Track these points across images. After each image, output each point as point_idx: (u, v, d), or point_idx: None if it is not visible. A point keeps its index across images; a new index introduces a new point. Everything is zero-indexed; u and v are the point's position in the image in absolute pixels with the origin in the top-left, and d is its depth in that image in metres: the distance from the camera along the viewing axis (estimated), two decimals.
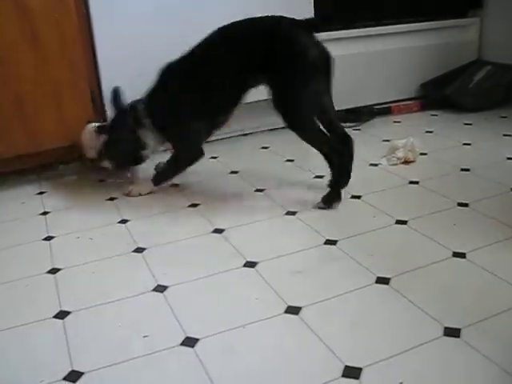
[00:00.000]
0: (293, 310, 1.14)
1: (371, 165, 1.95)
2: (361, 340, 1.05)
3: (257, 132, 2.37)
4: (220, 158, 2.13)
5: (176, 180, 1.88)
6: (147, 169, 1.90)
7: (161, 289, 1.26)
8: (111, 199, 1.79)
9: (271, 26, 1.59)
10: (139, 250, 1.45)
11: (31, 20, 1.76)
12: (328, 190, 1.65)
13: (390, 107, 2.59)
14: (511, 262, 1.28)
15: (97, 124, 1.79)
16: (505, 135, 2.19)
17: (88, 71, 1.91)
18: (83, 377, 1.00)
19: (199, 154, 1.77)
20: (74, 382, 0.99)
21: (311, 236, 1.46)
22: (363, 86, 2.58)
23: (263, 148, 2.20)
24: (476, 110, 2.50)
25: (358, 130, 2.39)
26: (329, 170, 1.68)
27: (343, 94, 2.37)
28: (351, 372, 0.96)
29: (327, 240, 1.43)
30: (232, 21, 1.62)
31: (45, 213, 1.72)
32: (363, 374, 0.96)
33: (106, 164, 1.82)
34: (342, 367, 0.97)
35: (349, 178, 1.74)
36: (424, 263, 1.29)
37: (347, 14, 2.54)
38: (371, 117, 2.51)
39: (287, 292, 1.21)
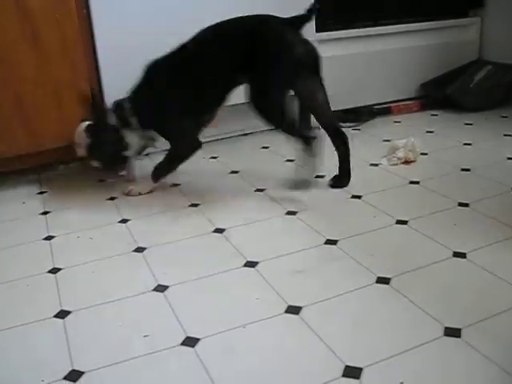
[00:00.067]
0: (293, 310, 1.14)
1: (371, 165, 1.95)
2: (361, 340, 1.05)
3: (257, 132, 2.37)
4: (220, 158, 2.13)
5: (176, 180, 1.88)
6: (146, 166, 1.89)
7: (161, 288, 1.26)
8: (111, 199, 1.79)
9: (258, 24, 1.61)
10: (139, 249, 1.45)
11: (32, 20, 1.76)
12: (329, 189, 1.65)
13: (389, 107, 2.59)
14: (511, 262, 1.28)
15: (87, 123, 1.78)
16: (505, 135, 2.19)
17: (88, 71, 1.91)
18: (83, 376, 1.00)
19: (195, 145, 1.75)
20: (74, 381, 0.99)
21: (311, 236, 1.46)
22: (363, 86, 2.57)
23: (263, 148, 2.20)
24: (476, 110, 2.50)
25: (358, 130, 2.39)
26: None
27: (343, 94, 2.39)
28: (351, 372, 0.96)
29: (327, 240, 1.43)
30: None
31: (45, 212, 1.72)
32: (363, 374, 0.96)
33: (95, 163, 1.82)
34: (343, 367, 0.98)
35: (349, 176, 1.75)
36: (424, 263, 1.29)
37: (347, 14, 2.54)
38: (371, 117, 2.51)
39: (287, 292, 1.21)
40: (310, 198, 1.68)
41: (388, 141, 2.13)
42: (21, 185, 1.95)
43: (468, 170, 1.85)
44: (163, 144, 1.82)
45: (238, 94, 1.66)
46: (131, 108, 1.71)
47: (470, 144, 2.12)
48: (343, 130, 1.77)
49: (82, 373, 1.01)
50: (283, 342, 1.06)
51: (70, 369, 1.02)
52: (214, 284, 1.27)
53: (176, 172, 1.83)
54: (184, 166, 1.84)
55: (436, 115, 2.54)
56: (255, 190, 1.78)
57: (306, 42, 1.60)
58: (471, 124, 2.37)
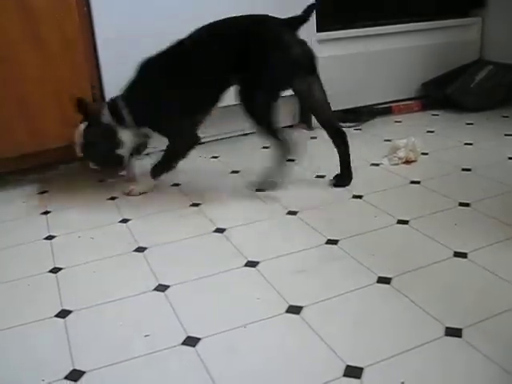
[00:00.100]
0: (294, 310, 1.14)
1: (372, 164, 1.95)
2: (362, 340, 1.05)
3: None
4: (221, 158, 2.13)
5: (177, 179, 1.88)
6: (146, 166, 1.89)
7: (162, 288, 1.26)
8: (112, 198, 1.79)
9: (253, 24, 1.61)
10: (140, 249, 1.45)
11: (33, 20, 1.76)
12: (329, 189, 1.65)
13: (390, 107, 2.59)
14: None
15: (87, 123, 1.78)
16: (506, 135, 2.19)
17: (90, 71, 1.92)
18: (84, 376, 1.00)
19: (193, 141, 1.75)
20: (75, 381, 0.99)
21: (312, 236, 1.46)
22: (363, 86, 2.57)
23: (264, 148, 2.20)
24: (477, 110, 2.50)
25: (359, 129, 2.39)
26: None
27: (343, 94, 2.39)
28: (352, 372, 0.96)
29: (328, 240, 1.43)
30: None
31: (46, 212, 1.72)
32: (364, 374, 0.96)
33: (91, 164, 1.82)
34: (344, 367, 0.97)
35: (350, 175, 1.76)
36: (425, 263, 1.29)
37: (347, 14, 2.54)
38: (371, 117, 2.51)
39: (288, 292, 1.21)
40: (310, 198, 1.68)
41: (389, 141, 2.13)
42: (21, 184, 1.95)
43: (469, 169, 1.85)
44: (163, 144, 1.82)
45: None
46: (125, 105, 1.71)
47: (471, 144, 2.12)
48: (343, 129, 1.77)
49: (83, 372, 1.01)
50: (284, 341, 1.06)
51: (71, 368, 1.02)
52: (214, 284, 1.27)
53: (176, 172, 1.83)
54: (184, 166, 1.84)
55: (437, 115, 2.54)
56: (256, 190, 1.78)
57: (303, 43, 1.60)
58: (472, 124, 2.37)
